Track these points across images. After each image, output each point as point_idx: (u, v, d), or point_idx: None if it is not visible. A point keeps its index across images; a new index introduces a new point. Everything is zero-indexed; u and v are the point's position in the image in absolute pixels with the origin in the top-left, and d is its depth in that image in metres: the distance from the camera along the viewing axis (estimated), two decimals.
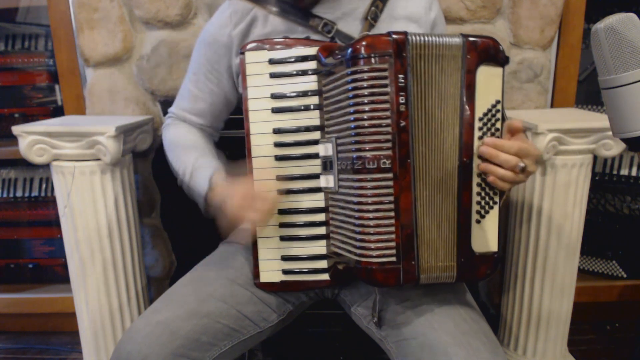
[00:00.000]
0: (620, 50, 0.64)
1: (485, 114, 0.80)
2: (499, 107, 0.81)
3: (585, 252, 1.77)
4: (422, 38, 0.77)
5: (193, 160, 0.99)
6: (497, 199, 0.82)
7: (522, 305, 1.38)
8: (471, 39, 0.79)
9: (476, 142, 0.80)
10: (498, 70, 0.80)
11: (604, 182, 1.73)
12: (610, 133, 1.22)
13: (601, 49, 0.66)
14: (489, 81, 0.80)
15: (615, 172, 1.72)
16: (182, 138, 1.06)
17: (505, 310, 1.45)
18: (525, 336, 1.40)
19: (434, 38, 0.78)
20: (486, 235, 0.83)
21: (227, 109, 1.09)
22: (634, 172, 1.70)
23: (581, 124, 1.25)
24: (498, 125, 0.81)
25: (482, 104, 0.80)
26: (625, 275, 1.74)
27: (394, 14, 1.00)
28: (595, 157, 1.34)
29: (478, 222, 0.82)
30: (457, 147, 0.79)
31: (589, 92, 1.71)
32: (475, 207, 0.81)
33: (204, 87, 1.04)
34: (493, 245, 0.83)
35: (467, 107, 0.79)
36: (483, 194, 0.81)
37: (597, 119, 1.28)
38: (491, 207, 0.82)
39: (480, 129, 0.80)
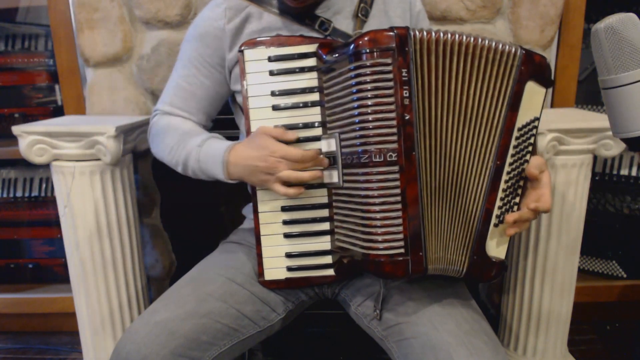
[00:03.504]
0: (620, 50, 0.64)
1: (524, 126, 0.82)
2: (536, 124, 0.83)
3: (585, 252, 1.77)
4: (426, 34, 0.78)
5: (205, 136, 0.96)
6: (516, 208, 0.84)
7: (522, 305, 1.38)
8: (525, 50, 0.81)
9: (511, 150, 0.81)
10: (542, 90, 0.83)
11: (604, 182, 1.73)
12: (610, 133, 1.22)
13: (601, 49, 0.66)
14: (532, 97, 0.82)
15: (615, 172, 1.72)
16: (180, 124, 1.00)
17: (505, 310, 1.45)
18: (525, 336, 1.40)
19: (457, 36, 0.79)
20: (499, 241, 0.84)
21: (217, 104, 1.05)
22: (634, 172, 1.70)
23: (581, 124, 1.25)
24: (532, 140, 0.83)
25: (523, 116, 0.82)
26: (625, 275, 1.74)
27: (384, 9, 1.01)
28: (595, 157, 1.34)
29: (496, 225, 0.83)
30: (494, 150, 0.81)
31: (589, 92, 1.71)
32: (496, 211, 0.82)
33: (195, 81, 1.00)
34: (502, 253, 0.84)
35: (510, 114, 0.80)
36: (506, 200, 0.83)
37: (597, 119, 1.28)
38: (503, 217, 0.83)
39: (517, 138, 0.81)
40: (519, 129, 0.82)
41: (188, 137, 0.97)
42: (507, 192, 0.83)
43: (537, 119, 0.83)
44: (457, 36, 0.79)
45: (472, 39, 0.79)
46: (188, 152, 0.95)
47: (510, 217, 0.82)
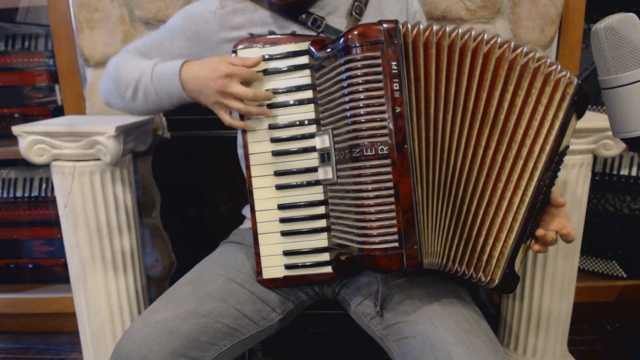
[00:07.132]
0: (620, 50, 0.64)
1: (561, 152, 0.82)
2: (566, 152, 0.84)
3: (585, 252, 1.77)
4: (423, 28, 0.78)
5: (159, 59, 0.99)
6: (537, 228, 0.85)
7: (522, 305, 1.38)
8: (578, 82, 0.80)
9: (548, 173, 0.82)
10: (575, 121, 0.83)
11: (604, 182, 1.73)
12: (610, 133, 1.22)
13: (601, 49, 0.66)
14: (570, 127, 0.82)
15: (615, 172, 1.72)
16: (138, 57, 1.04)
17: (505, 310, 1.45)
18: (525, 336, 1.40)
19: (472, 33, 0.78)
20: (521, 257, 0.84)
21: None
22: (634, 172, 1.70)
23: (581, 124, 1.23)
24: (560, 167, 0.84)
25: (563, 143, 0.82)
26: (625, 275, 1.74)
27: (379, 8, 1.02)
28: (595, 157, 1.34)
29: (524, 241, 0.83)
30: (540, 170, 0.80)
31: (589, 92, 1.71)
32: (528, 227, 0.82)
33: (166, 43, 1.04)
34: (519, 266, 0.84)
35: (558, 139, 0.80)
36: (536, 217, 0.83)
37: (597, 119, 1.27)
38: (533, 233, 0.84)
39: (555, 162, 0.82)
40: (558, 155, 0.82)
41: (142, 61, 1.00)
42: (537, 211, 0.83)
43: (568, 147, 0.84)
44: (472, 33, 0.78)
45: (497, 39, 0.78)
46: (141, 71, 0.97)
47: (540, 231, 0.82)
